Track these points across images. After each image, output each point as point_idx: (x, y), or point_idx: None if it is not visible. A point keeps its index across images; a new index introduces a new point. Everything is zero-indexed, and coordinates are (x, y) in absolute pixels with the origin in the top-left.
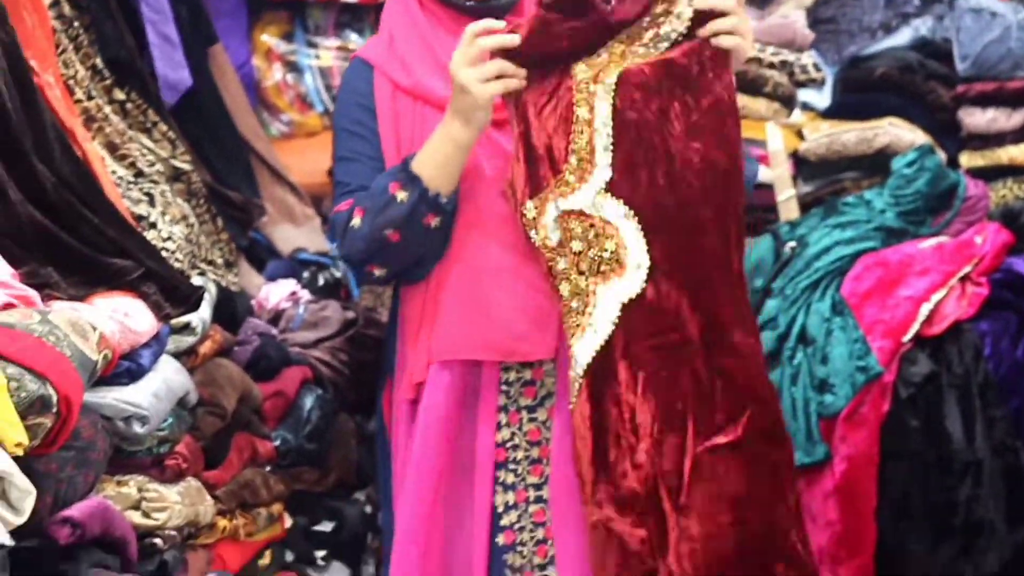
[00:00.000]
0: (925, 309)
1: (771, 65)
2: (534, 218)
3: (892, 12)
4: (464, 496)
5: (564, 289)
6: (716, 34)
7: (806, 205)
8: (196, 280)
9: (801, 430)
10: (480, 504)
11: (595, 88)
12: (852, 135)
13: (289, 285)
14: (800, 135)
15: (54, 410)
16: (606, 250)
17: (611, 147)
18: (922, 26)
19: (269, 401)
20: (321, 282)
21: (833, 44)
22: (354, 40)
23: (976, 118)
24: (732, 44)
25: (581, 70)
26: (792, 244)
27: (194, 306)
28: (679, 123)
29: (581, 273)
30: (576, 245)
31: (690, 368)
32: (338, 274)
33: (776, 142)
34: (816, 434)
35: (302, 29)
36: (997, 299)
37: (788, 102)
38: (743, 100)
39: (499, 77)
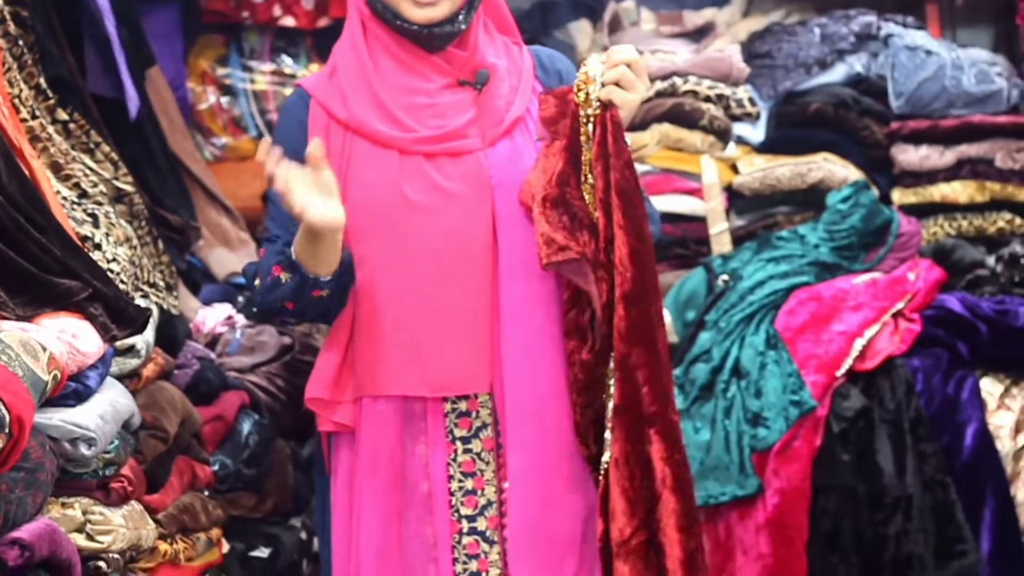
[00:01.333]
0: (858, 344)
1: (707, 99)
2: None
3: (827, 48)
4: (419, 526)
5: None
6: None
7: (739, 238)
8: (140, 302)
9: (734, 463)
10: (442, 533)
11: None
12: (786, 169)
13: (225, 309)
14: (734, 169)
15: (6, 430)
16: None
17: None
18: (857, 63)
19: (208, 425)
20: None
21: (768, 79)
22: (289, 65)
23: (909, 155)
24: (621, 99)
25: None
26: (725, 277)
27: (140, 328)
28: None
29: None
30: None
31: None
32: None
33: (710, 175)
34: (749, 467)
35: (237, 53)
36: (929, 336)
37: (723, 136)
38: (679, 133)
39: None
